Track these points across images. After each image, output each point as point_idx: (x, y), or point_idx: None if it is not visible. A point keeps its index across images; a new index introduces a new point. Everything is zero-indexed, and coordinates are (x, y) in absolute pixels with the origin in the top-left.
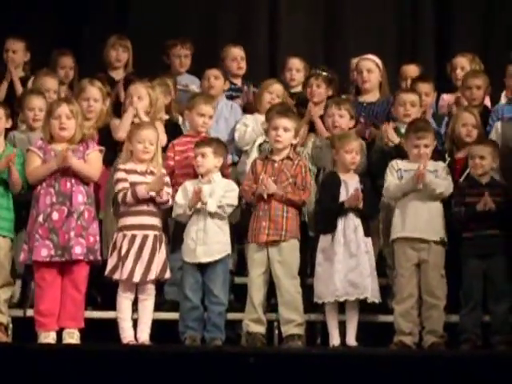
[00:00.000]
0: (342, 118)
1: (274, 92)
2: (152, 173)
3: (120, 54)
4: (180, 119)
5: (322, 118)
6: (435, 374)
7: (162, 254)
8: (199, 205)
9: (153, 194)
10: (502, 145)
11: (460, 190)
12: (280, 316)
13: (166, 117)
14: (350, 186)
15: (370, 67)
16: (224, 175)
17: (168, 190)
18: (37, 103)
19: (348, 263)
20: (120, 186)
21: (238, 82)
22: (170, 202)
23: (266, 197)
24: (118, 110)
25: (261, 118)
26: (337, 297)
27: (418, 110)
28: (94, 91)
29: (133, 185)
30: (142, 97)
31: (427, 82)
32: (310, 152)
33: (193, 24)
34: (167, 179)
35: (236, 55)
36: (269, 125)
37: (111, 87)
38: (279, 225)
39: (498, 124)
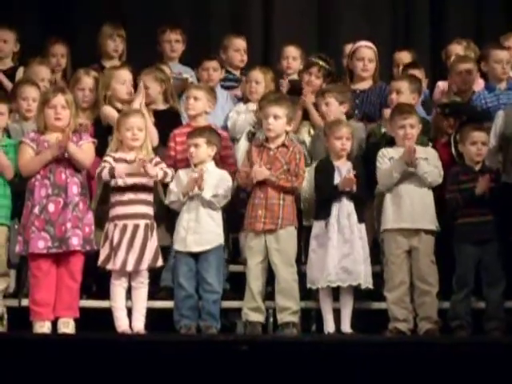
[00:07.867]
0: (330, 106)
1: (252, 80)
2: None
3: (118, 45)
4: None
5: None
6: (431, 360)
7: (153, 243)
8: (195, 190)
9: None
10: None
11: (453, 177)
12: (276, 304)
13: (164, 107)
14: (344, 172)
15: (370, 56)
16: (228, 164)
17: (161, 165)
18: (31, 93)
19: (342, 249)
20: (103, 164)
21: (237, 72)
22: (160, 176)
23: (254, 182)
24: None
25: (253, 106)
26: (329, 282)
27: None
28: (89, 81)
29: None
30: (127, 81)
31: (417, 68)
32: (307, 141)
33: (186, 11)
34: (158, 159)
35: (239, 46)
36: (262, 114)
37: None
38: (275, 213)
39: (501, 113)
